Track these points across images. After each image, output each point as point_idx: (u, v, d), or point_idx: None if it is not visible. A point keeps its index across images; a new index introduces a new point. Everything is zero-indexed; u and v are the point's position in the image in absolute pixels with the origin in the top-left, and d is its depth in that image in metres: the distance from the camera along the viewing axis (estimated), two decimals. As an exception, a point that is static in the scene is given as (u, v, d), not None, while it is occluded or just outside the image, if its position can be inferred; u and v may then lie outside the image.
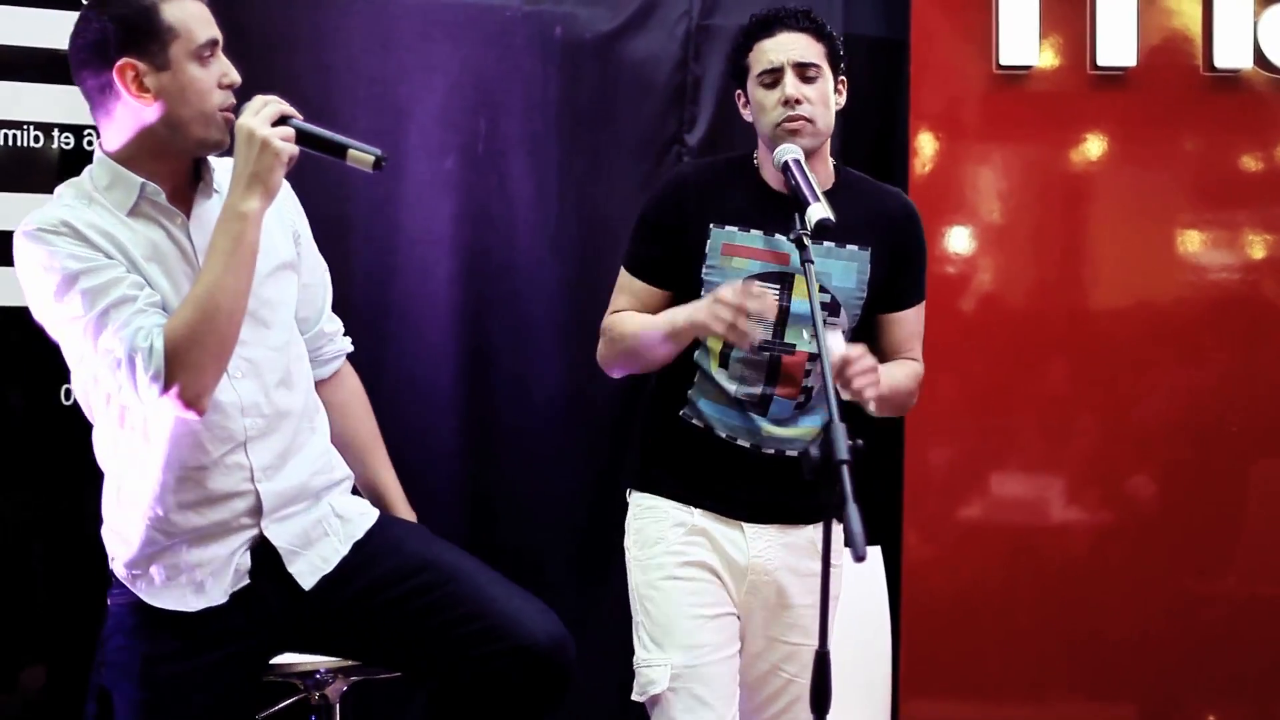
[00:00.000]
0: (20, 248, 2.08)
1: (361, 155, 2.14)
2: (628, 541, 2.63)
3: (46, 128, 3.18)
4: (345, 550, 2.28)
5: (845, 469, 1.90)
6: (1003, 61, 3.42)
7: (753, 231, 2.50)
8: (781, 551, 2.54)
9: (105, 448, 2.23)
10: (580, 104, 3.44)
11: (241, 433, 2.17)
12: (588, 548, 3.48)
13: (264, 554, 2.22)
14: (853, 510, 1.85)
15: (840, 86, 2.57)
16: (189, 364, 1.99)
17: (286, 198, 2.32)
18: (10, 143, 3.23)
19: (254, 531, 2.20)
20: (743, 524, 2.54)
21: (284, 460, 2.23)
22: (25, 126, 3.26)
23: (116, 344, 2.00)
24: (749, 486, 2.53)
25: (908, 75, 3.47)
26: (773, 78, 2.51)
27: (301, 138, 2.13)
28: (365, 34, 3.34)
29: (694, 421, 2.55)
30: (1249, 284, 3.52)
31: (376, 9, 3.35)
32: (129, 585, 2.21)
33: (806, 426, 2.53)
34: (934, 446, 3.52)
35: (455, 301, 3.41)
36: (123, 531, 2.20)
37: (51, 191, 2.19)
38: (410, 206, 3.37)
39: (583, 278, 3.42)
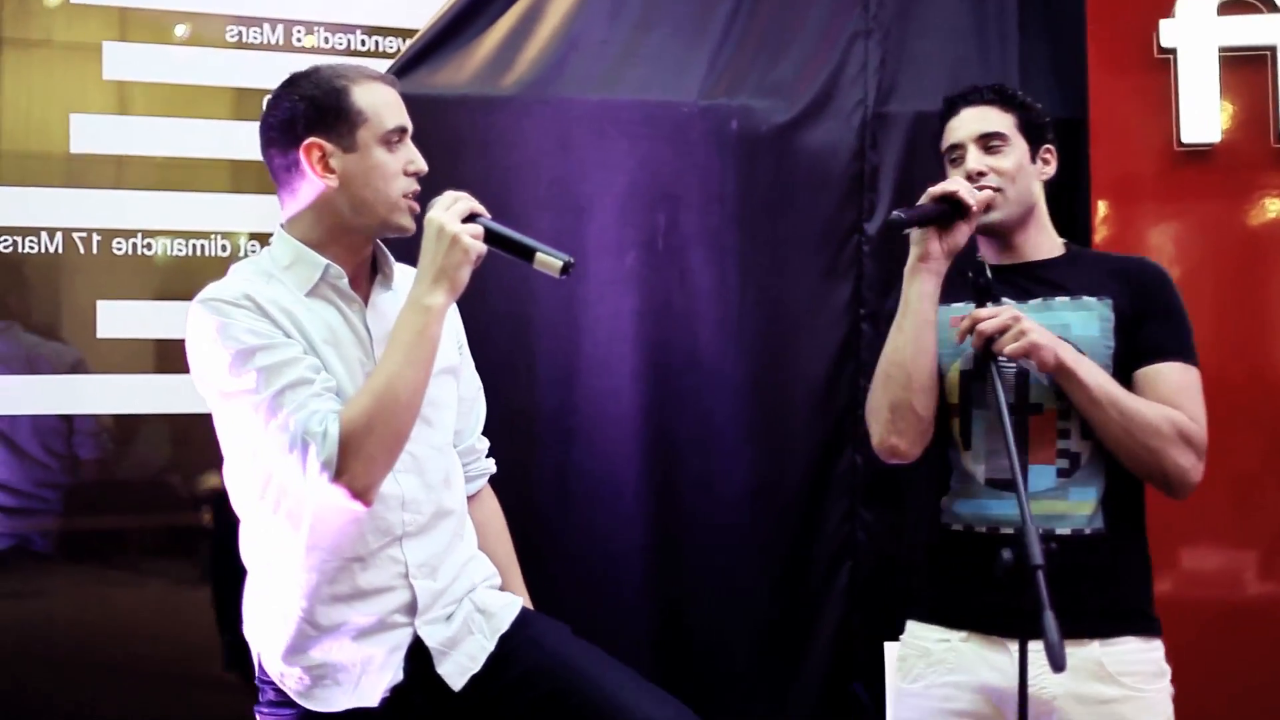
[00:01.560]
0: (196, 317, 2.07)
1: (549, 259, 2.13)
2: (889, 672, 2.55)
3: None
4: (491, 646, 2.23)
5: (1040, 574, 1.83)
6: (1184, 139, 3.37)
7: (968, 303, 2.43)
8: (1059, 676, 2.26)
9: (254, 539, 2.20)
10: (758, 196, 3.43)
11: (400, 527, 2.14)
12: (776, 643, 3.44)
13: (416, 654, 2.18)
14: (1049, 619, 1.77)
15: (1047, 155, 2.53)
16: (363, 454, 1.97)
17: (453, 308, 2.30)
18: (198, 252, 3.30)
19: (408, 630, 2.16)
20: (1008, 643, 2.31)
21: (439, 560, 2.20)
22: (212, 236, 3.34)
23: (291, 426, 1.97)
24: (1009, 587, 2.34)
25: (1087, 153, 3.43)
26: (958, 153, 2.49)
27: (490, 237, 2.12)
28: (544, 135, 3.36)
29: (953, 526, 2.41)
30: None
31: (555, 110, 3.37)
32: (277, 682, 2.17)
33: (1076, 501, 2.36)
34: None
35: (639, 398, 3.39)
36: (271, 626, 2.16)
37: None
38: (592, 304, 3.37)
39: (766, 370, 3.40)
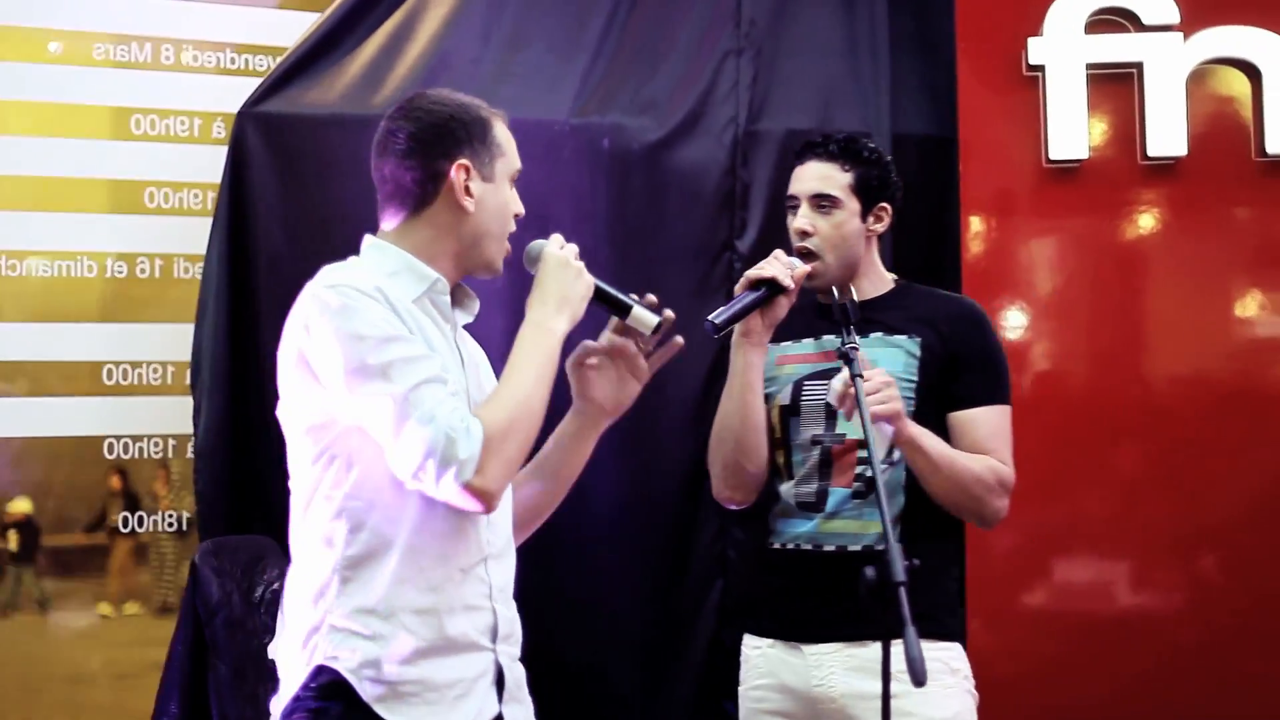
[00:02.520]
0: (322, 299, 1.96)
1: (645, 317, 2.14)
2: None
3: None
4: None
5: (902, 590, 1.88)
6: (1053, 156, 3.41)
7: (804, 340, 2.59)
8: (845, 676, 2.47)
9: (329, 534, 2.03)
10: (630, 214, 3.44)
11: (486, 546, 2.09)
12: (649, 661, 3.45)
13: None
14: (911, 634, 1.82)
15: (881, 213, 2.60)
16: (502, 456, 1.91)
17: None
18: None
19: (491, 656, 2.08)
20: (801, 647, 2.51)
21: (508, 586, 2.16)
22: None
23: (433, 421, 1.89)
24: (806, 599, 2.51)
25: (957, 170, 3.45)
26: (794, 203, 2.60)
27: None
28: (414, 154, 3.34)
29: (773, 544, 2.59)
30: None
31: (424, 129, 3.35)
32: (357, 689, 1.98)
33: (870, 520, 2.49)
34: (996, 533, 3.46)
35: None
36: (351, 627, 2.00)
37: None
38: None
39: (638, 388, 3.40)
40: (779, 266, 2.49)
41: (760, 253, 3.40)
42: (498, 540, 2.12)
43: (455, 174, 2.07)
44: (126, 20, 3.45)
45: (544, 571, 3.38)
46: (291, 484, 2.09)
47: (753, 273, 2.50)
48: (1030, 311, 3.48)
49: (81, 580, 3.65)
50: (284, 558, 2.19)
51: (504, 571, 2.13)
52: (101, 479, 3.61)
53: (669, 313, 2.16)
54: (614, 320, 2.20)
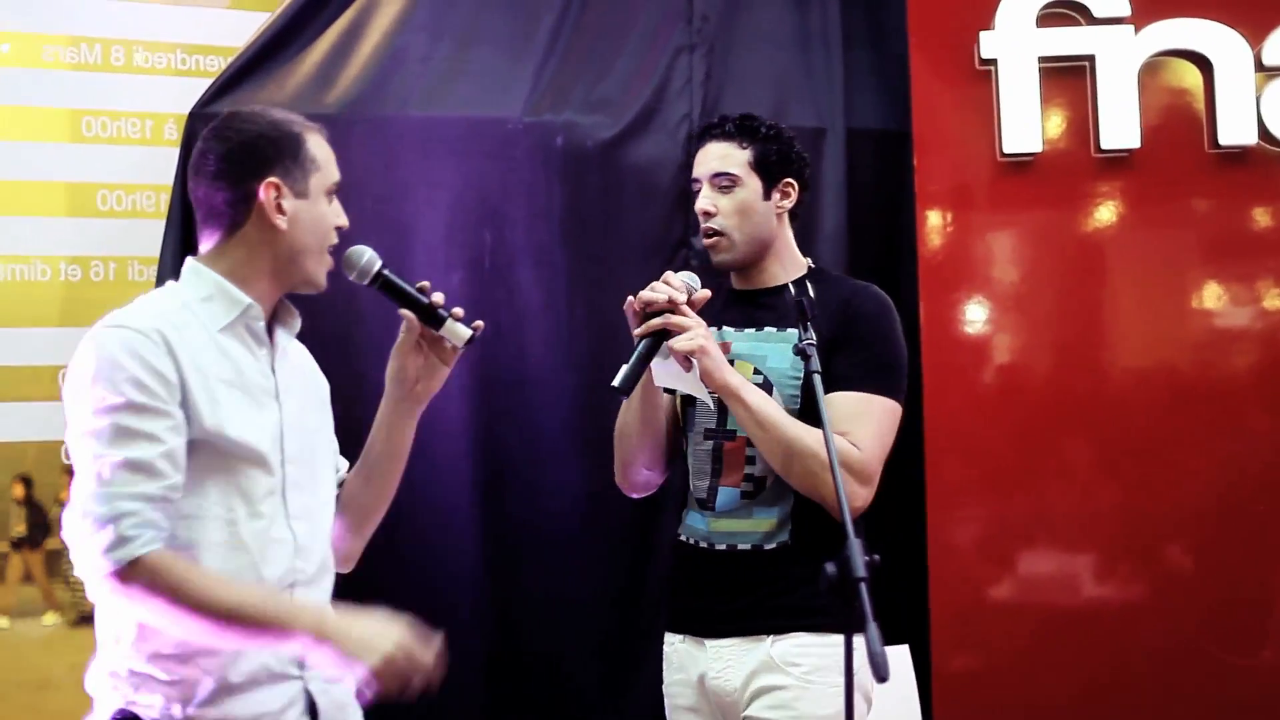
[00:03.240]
0: (97, 341, 1.97)
1: (459, 330, 2.17)
2: None
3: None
4: None
5: (863, 586, 1.83)
6: (1006, 149, 3.40)
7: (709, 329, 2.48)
8: (740, 670, 2.44)
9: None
10: (585, 212, 3.44)
11: (291, 575, 2.09)
12: (611, 655, 3.45)
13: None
14: (874, 631, 1.77)
15: (787, 189, 2.55)
16: (145, 598, 1.92)
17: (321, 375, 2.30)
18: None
19: (300, 684, 2.08)
20: (704, 641, 2.48)
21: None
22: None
23: (107, 505, 1.90)
24: (703, 594, 2.49)
25: (912, 164, 3.45)
26: (696, 187, 2.58)
27: (390, 288, 2.17)
28: (367, 153, 3.34)
29: (681, 537, 2.58)
30: (1273, 344, 3.47)
31: (375, 127, 3.36)
32: None
33: (759, 519, 2.46)
34: (957, 526, 3.46)
35: (468, 416, 3.39)
36: (148, 672, 2.02)
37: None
38: (419, 323, 3.36)
39: (595, 385, 3.36)
40: (671, 290, 2.40)
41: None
42: (309, 566, 2.12)
43: (265, 193, 2.06)
44: (77, 22, 3.43)
45: (509, 568, 3.40)
46: None
47: (641, 330, 2.39)
48: (989, 305, 3.48)
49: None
50: None
51: (315, 597, 2.13)
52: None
53: (479, 323, 2.19)
54: (414, 320, 2.19)
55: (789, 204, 2.56)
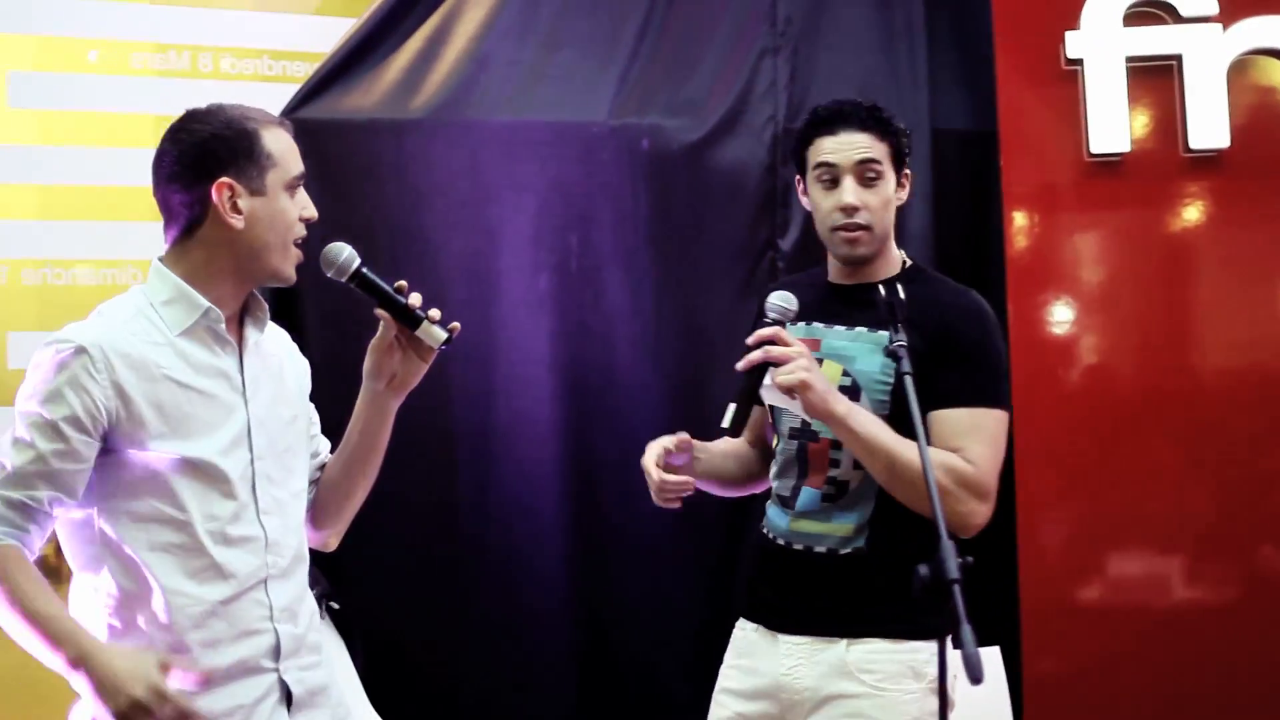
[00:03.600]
0: (43, 347, 2.03)
1: (435, 332, 2.18)
2: None
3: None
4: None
5: (957, 588, 1.82)
6: (1093, 150, 3.39)
7: (799, 324, 2.45)
8: (812, 670, 2.42)
9: (94, 583, 2.09)
10: (671, 215, 3.44)
11: (264, 569, 2.11)
12: (702, 658, 3.42)
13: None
14: (968, 632, 1.76)
15: (904, 181, 2.51)
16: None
17: (300, 360, 2.32)
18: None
19: (275, 676, 2.11)
20: (777, 635, 2.47)
21: (294, 603, 2.17)
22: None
23: None
24: (780, 589, 2.48)
25: (999, 165, 3.43)
26: (831, 175, 2.45)
27: (368, 286, 2.16)
28: (454, 157, 3.36)
29: (763, 530, 2.57)
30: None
31: (461, 131, 3.37)
32: None
33: (837, 523, 2.43)
34: (1047, 527, 3.44)
35: (558, 418, 3.40)
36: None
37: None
38: (507, 326, 3.37)
39: (684, 387, 3.40)
40: (768, 350, 2.31)
41: (802, 251, 3.42)
42: (282, 560, 2.14)
43: (218, 194, 2.06)
44: (164, 29, 3.45)
45: (599, 569, 3.40)
46: None
47: (742, 365, 2.32)
48: (1076, 306, 3.46)
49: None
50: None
51: (289, 590, 2.15)
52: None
53: (455, 325, 2.20)
54: (391, 320, 2.19)
55: (904, 196, 2.52)
